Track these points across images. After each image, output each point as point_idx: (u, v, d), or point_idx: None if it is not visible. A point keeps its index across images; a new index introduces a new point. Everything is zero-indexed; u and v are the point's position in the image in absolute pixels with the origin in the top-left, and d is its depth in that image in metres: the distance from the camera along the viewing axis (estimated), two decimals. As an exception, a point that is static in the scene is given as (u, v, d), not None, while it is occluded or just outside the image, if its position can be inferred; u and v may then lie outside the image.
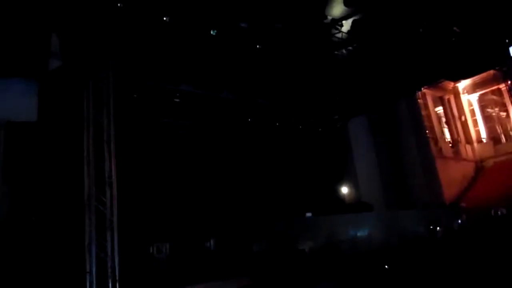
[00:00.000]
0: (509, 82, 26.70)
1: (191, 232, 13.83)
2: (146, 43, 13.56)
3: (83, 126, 10.36)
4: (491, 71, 27.18)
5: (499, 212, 17.02)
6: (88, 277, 9.26)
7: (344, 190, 22.67)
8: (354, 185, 22.67)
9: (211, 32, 14.02)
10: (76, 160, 10.20)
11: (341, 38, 16.52)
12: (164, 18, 13.06)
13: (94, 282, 9.22)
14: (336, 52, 17.67)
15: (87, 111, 10.47)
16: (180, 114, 16.39)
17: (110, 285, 9.47)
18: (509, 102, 28.11)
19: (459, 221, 17.48)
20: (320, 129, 21.53)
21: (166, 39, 13.70)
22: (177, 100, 15.92)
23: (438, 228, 14.23)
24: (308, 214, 16.16)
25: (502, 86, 28.26)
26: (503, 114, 29.49)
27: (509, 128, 29.10)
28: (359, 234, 16.92)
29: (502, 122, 29.64)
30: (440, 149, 27.58)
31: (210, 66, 15.47)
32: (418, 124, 25.36)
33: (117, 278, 9.58)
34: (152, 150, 15.10)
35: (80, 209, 9.73)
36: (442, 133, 29.45)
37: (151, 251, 12.44)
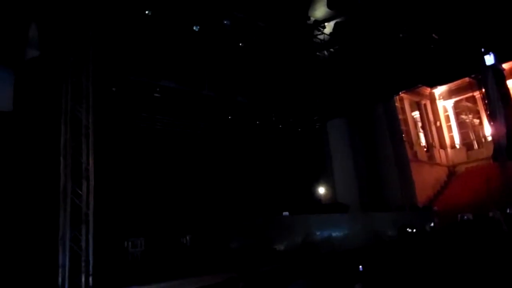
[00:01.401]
0: (483, 90, 27.40)
1: (167, 227, 13.74)
2: (128, 36, 13.42)
3: (61, 118, 10.20)
4: (467, 79, 27.92)
5: (465, 217, 17.66)
6: (60, 270, 9.12)
7: (321, 190, 22.92)
8: (331, 186, 22.95)
9: (194, 28, 13.99)
10: (52, 152, 10.03)
11: (323, 40, 16.72)
12: (147, 12, 12.97)
13: (67, 276, 9.09)
14: (317, 53, 17.88)
15: (65, 103, 10.32)
16: (160, 109, 16.27)
17: (83, 279, 9.34)
18: (483, 109, 28.85)
19: (432, 224, 17.91)
20: (299, 129, 21.70)
21: (148, 33, 13.59)
22: (157, 95, 15.80)
23: (413, 230, 14.60)
24: (285, 213, 16.28)
25: (477, 94, 29.00)
26: (477, 121, 30.29)
27: (481, 135, 29.89)
28: (334, 234, 17.13)
29: (475, 129, 30.44)
30: (415, 153, 28.18)
31: (191, 62, 15.41)
32: (395, 127, 25.81)
33: (90, 272, 9.46)
34: (130, 145, 14.95)
35: (55, 201, 9.57)
36: (418, 137, 30.08)
37: (125, 245, 12.32)
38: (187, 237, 13.78)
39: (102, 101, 12.31)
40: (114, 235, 11.86)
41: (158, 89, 15.66)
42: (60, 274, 9.09)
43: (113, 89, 14.66)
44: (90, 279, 9.43)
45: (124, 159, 14.42)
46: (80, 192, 9.98)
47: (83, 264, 9.44)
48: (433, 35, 17.68)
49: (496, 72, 24.76)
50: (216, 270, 11.04)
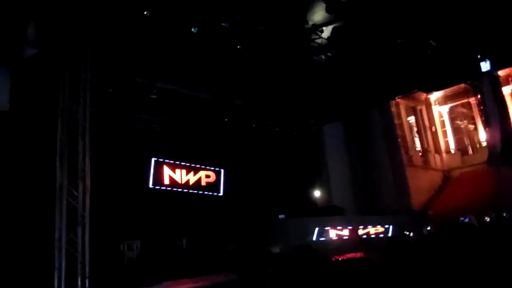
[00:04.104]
0: (479, 96, 27.54)
1: (163, 230, 13.65)
2: (125, 36, 13.34)
3: (58, 118, 10.11)
4: (462, 85, 27.97)
5: (464, 220, 17.61)
6: (56, 273, 9.00)
7: (317, 193, 22.90)
8: (326, 189, 22.94)
9: (192, 30, 13.93)
10: (48, 152, 9.93)
11: (321, 44, 16.72)
12: (145, 12, 12.90)
13: (63, 278, 8.97)
14: (315, 58, 17.89)
15: (63, 102, 10.23)
16: (157, 111, 16.16)
17: (79, 282, 9.23)
18: (478, 115, 28.96)
19: (428, 227, 17.97)
20: (295, 133, 21.68)
21: (146, 34, 13.52)
22: (154, 96, 15.71)
23: (411, 234, 14.62)
24: (281, 216, 16.26)
25: (472, 100, 29.04)
26: (471, 126, 30.38)
27: (476, 141, 29.98)
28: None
29: (470, 135, 30.53)
30: (411, 158, 28.21)
31: (189, 64, 15.35)
32: (391, 132, 25.88)
33: (87, 275, 9.35)
34: (126, 146, 14.82)
35: (51, 202, 9.47)
36: (413, 142, 30.11)
37: (121, 248, 12.23)
38: (183, 240, 13.72)
39: (99, 102, 12.24)
40: (110, 238, 11.76)
41: (155, 91, 15.59)
42: (56, 277, 8.97)
43: (110, 90, 14.56)
44: (87, 281, 9.31)
45: (121, 160, 14.27)
46: (76, 194, 9.89)
47: (79, 266, 9.33)
48: (431, 41, 17.74)
49: (492, 78, 24.89)
50: (213, 272, 10.97)
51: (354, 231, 17.96)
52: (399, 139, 27.03)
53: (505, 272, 2.80)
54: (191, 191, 17.23)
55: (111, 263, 11.44)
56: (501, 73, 25.71)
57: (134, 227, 13.00)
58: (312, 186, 22.72)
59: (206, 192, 17.75)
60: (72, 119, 10.31)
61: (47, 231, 9.30)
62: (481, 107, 27.02)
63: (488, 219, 17.81)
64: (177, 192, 16.65)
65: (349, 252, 15.24)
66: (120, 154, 14.20)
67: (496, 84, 24.85)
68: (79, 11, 10.82)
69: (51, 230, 9.26)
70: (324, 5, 14.39)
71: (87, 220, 9.73)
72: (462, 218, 16.14)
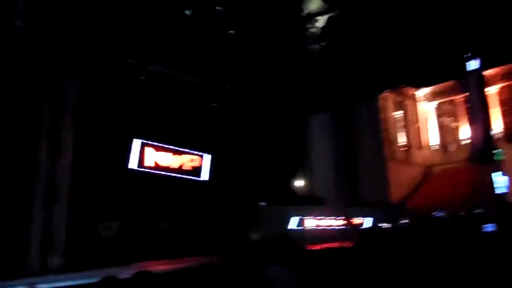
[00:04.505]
0: (465, 94, 27.94)
1: (144, 212, 13.59)
2: (117, 16, 13.03)
3: (45, 94, 9.94)
4: (450, 82, 28.32)
5: (438, 215, 18.04)
6: (30, 249, 8.93)
7: (299, 183, 23.03)
8: (309, 179, 23.09)
9: (186, 12, 13.70)
10: (32, 127, 9.77)
11: (315, 33, 16.64)
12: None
13: (38, 255, 8.91)
14: (308, 47, 17.79)
15: (51, 79, 10.06)
16: (145, 92, 15.86)
17: (53, 259, 9.16)
18: (463, 113, 29.41)
19: (406, 220, 18.38)
20: (283, 122, 21.59)
21: (139, 14, 13.24)
22: (142, 77, 15.38)
23: (385, 225, 14.99)
24: (262, 203, 16.39)
25: (458, 97, 29.48)
26: (456, 124, 30.79)
27: (459, 138, 30.40)
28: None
29: (454, 132, 30.93)
30: (393, 152, 28.49)
31: (180, 47, 15.10)
32: (376, 126, 26.10)
33: (61, 253, 9.31)
34: (112, 126, 14.53)
35: (30, 178, 9.36)
36: (398, 137, 30.39)
37: (99, 228, 12.14)
38: (163, 223, 13.70)
39: (87, 80, 12.04)
40: (88, 217, 11.63)
41: (145, 72, 15.28)
42: (30, 253, 8.90)
43: (99, 69, 14.18)
44: (61, 259, 9.27)
45: (104, 140, 13.97)
46: (57, 170, 9.79)
47: (54, 244, 9.28)
48: (423, 36, 17.79)
49: (479, 77, 25.31)
50: (192, 255, 10.97)
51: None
52: (383, 133, 27.25)
53: (470, 259, 2.98)
54: (174, 174, 17.03)
55: (87, 242, 11.33)
56: (487, 72, 26.09)
57: (114, 208, 12.85)
58: (295, 175, 22.82)
59: (189, 177, 17.56)
60: (60, 95, 10.15)
61: (24, 207, 9.18)
62: (468, 105, 27.51)
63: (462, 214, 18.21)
64: (160, 175, 16.48)
65: (327, 242, 15.52)
66: (104, 133, 13.87)
67: (482, 83, 25.29)
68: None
69: (29, 206, 9.16)
70: (320, -7, 14.30)
71: (65, 198, 9.65)
72: (436, 213, 16.59)
